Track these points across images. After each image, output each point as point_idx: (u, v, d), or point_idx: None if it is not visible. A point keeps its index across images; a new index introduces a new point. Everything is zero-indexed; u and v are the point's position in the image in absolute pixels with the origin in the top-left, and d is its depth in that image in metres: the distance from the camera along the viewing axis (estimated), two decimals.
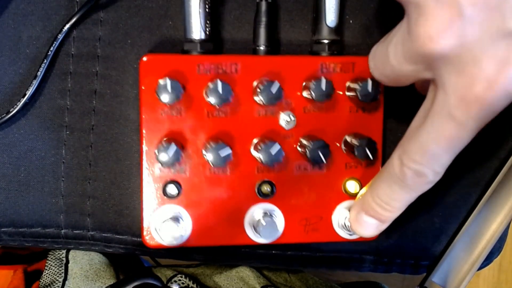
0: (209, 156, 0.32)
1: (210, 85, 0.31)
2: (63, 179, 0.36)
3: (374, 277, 0.50)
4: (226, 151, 0.31)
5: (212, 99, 0.32)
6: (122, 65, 0.36)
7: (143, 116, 0.33)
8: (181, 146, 0.33)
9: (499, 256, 0.40)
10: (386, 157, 0.36)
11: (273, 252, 0.37)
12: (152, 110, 0.33)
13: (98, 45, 0.36)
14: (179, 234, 0.33)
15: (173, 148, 0.31)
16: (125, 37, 0.36)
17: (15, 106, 0.35)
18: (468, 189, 0.37)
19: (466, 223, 0.36)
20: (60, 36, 0.35)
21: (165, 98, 0.31)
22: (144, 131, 0.33)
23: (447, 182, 0.37)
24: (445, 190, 0.37)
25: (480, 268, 0.37)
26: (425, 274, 0.38)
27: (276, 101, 0.32)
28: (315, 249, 0.37)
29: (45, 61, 0.35)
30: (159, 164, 0.33)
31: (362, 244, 0.37)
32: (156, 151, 0.31)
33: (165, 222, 0.33)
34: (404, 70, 0.28)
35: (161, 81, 0.31)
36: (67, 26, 0.35)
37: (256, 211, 0.34)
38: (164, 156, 0.31)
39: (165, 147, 0.31)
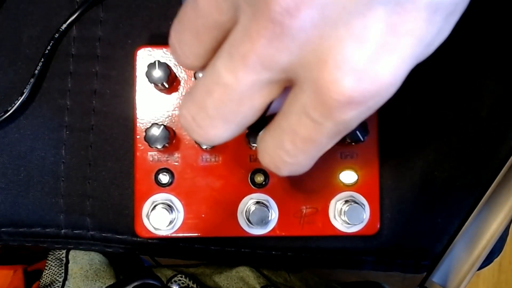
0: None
1: None
2: (63, 179, 0.36)
3: (374, 277, 0.50)
4: None
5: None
6: (122, 65, 0.36)
7: (136, 102, 0.34)
8: (173, 133, 0.33)
9: (499, 256, 0.40)
10: (381, 139, 0.36)
11: (273, 253, 0.37)
12: (145, 96, 0.34)
13: (98, 45, 0.36)
14: (170, 223, 0.33)
15: (160, 127, 0.32)
16: (125, 37, 0.36)
17: (13, 105, 0.35)
18: (472, 189, 0.37)
19: (466, 223, 0.36)
20: (57, 35, 0.35)
21: (156, 74, 0.32)
22: (137, 116, 0.34)
23: (450, 182, 0.37)
24: (448, 190, 0.37)
25: (480, 268, 0.37)
26: (425, 273, 0.38)
27: None
28: (315, 250, 0.37)
29: (42, 59, 0.35)
30: (152, 152, 0.33)
31: (362, 244, 0.37)
32: (145, 130, 0.32)
33: (156, 210, 0.33)
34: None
35: (151, 63, 0.32)
36: (65, 25, 0.35)
37: (249, 201, 0.34)
38: (153, 133, 0.32)
39: (154, 126, 0.32)
